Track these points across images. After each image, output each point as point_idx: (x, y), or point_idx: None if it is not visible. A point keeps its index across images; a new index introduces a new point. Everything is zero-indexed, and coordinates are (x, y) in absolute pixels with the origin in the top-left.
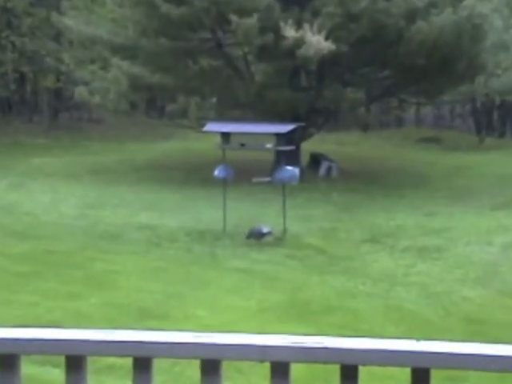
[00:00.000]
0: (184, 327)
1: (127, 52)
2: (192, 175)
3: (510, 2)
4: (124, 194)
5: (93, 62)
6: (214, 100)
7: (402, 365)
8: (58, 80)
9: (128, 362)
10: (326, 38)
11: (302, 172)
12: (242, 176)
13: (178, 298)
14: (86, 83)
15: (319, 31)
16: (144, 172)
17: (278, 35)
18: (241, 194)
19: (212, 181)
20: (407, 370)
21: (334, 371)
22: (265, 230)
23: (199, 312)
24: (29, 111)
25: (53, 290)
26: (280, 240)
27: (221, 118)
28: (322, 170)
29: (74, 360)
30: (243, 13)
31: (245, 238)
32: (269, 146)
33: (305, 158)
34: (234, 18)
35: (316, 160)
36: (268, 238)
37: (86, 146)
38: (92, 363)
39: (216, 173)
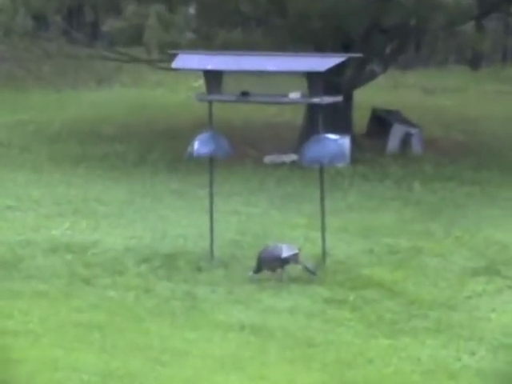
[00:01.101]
0: None
1: None
2: (151, 151)
3: None
4: (25, 187)
5: None
6: (192, 10)
7: None
8: None
9: None
10: None
11: (355, 144)
12: (246, 153)
13: (128, 381)
14: None
15: None
16: (61, 145)
17: None
18: (243, 185)
19: (189, 162)
20: None
21: None
22: (286, 252)
23: None
24: None
25: None
26: (315, 272)
27: (205, 44)
28: (394, 141)
29: None
30: None
31: (252, 273)
32: (294, 96)
33: (362, 119)
34: None
35: (383, 122)
36: (293, 268)
37: None
38: None
39: (196, 147)
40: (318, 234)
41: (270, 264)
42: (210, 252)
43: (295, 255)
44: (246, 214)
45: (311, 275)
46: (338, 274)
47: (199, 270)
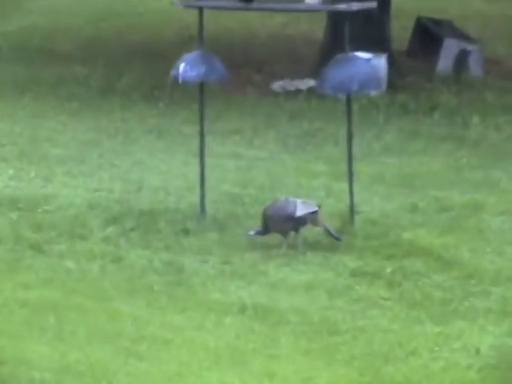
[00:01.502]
0: None
1: None
2: (122, 76)
3: None
4: None
5: None
6: None
7: None
8: None
9: None
10: None
11: (394, 65)
12: (247, 78)
13: (92, 379)
14: None
15: None
16: (2, 65)
17: None
18: (244, 121)
19: (172, 90)
20: None
21: None
22: (302, 210)
23: None
24: None
25: None
26: (339, 236)
27: None
28: (446, 61)
29: None
30: None
31: (254, 233)
32: (312, 1)
33: (403, 32)
34: None
35: (430, 36)
36: (310, 231)
37: None
38: None
39: (182, 70)
40: (345, 186)
41: (279, 225)
42: (200, 209)
43: (313, 214)
44: (247, 158)
45: (335, 240)
46: (370, 239)
47: (186, 233)
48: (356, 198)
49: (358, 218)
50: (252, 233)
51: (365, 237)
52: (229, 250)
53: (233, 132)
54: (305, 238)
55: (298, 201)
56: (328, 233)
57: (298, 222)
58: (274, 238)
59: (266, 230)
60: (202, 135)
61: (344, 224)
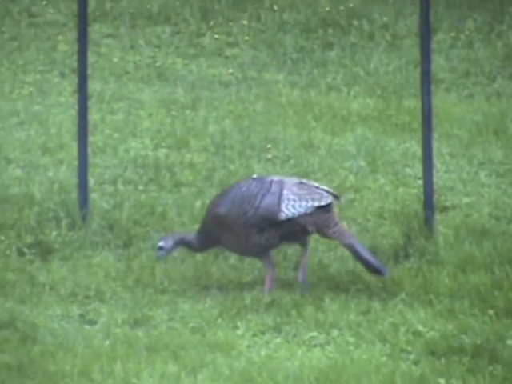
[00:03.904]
0: None
1: None
2: None
3: None
4: None
5: None
6: None
7: None
8: None
9: None
10: None
11: None
12: None
13: None
14: None
15: None
16: None
17: None
18: None
19: None
20: None
21: None
22: (295, 202)
23: None
24: None
25: None
26: (382, 268)
27: None
28: None
29: None
30: None
31: (161, 253)
32: None
33: None
34: None
35: None
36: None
37: None
38: None
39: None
40: (413, 147)
41: (243, 238)
42: (81, 203)
43: (323, 212)
44: None
45: (373, 273)
46: (464, 271)
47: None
48: (439, 178)
49: (440, 221)
50: (161, 253)
51: (452, 269)
52: (135, 303)
53: None
54: (310, 267)
55: (289, 182)
56: (358, 258)
57: (287, 232)
58: (238, 264)
59: (206, 243)
60: None
61: (406, 239)
